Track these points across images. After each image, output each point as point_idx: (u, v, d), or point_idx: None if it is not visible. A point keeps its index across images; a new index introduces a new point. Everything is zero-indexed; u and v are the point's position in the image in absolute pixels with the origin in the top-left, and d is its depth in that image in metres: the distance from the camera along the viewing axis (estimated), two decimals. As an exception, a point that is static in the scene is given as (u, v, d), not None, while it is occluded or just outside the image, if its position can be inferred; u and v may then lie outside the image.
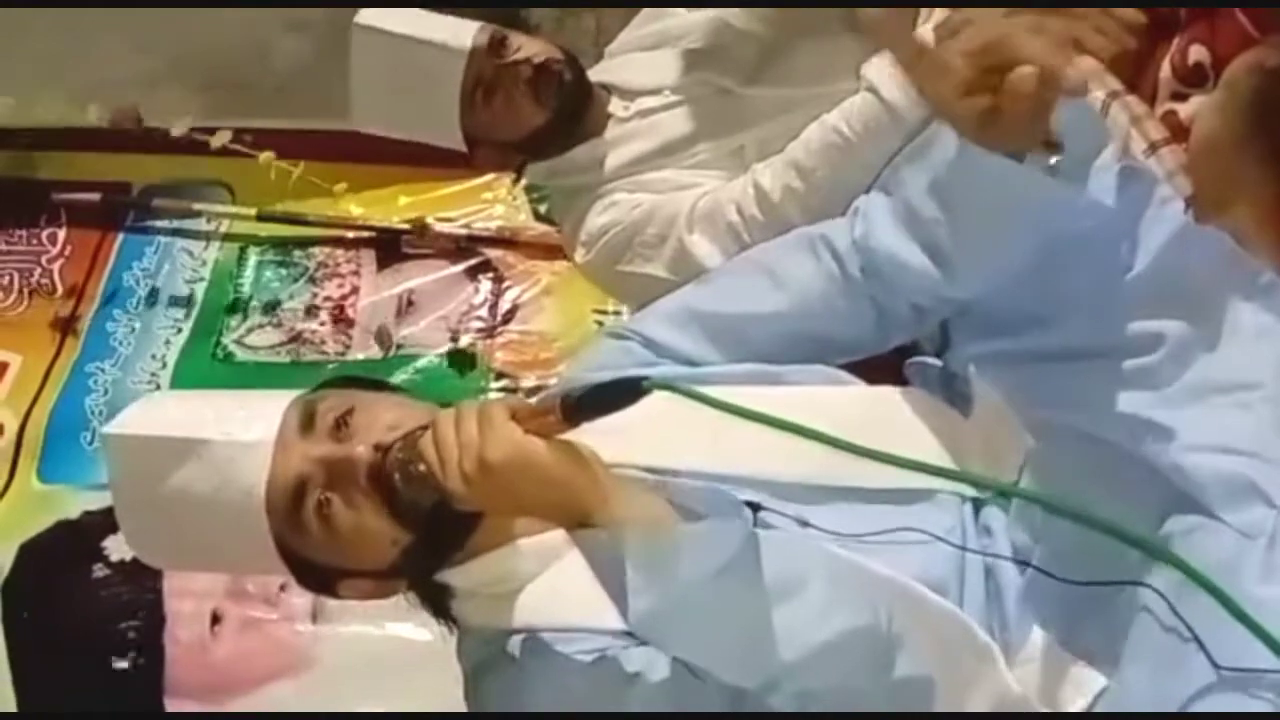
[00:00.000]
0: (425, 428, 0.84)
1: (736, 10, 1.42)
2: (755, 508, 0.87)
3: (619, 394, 0.80)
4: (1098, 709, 0.81)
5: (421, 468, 0.82)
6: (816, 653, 0.76)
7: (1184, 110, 1.01)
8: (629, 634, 0.83)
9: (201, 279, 2.26)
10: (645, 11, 1.52)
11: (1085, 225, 0.89)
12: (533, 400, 0.88)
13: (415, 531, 0.85)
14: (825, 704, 0.77)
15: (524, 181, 1.58)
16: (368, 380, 0.99)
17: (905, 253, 0.94)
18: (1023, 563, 0.87)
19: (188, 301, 2.22)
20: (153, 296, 2.22)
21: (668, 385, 0.79)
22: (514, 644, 0.85)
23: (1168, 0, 0.79)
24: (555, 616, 0.86)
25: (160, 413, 0.90)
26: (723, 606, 0.78)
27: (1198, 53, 1.02)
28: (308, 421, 0.87)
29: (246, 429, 0.86)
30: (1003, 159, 0.80)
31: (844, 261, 1.00)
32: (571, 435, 0.83)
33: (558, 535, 0.87)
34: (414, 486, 0.83)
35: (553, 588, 0.86)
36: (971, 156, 0.83)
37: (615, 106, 1.43)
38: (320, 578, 0.91)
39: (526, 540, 0.88)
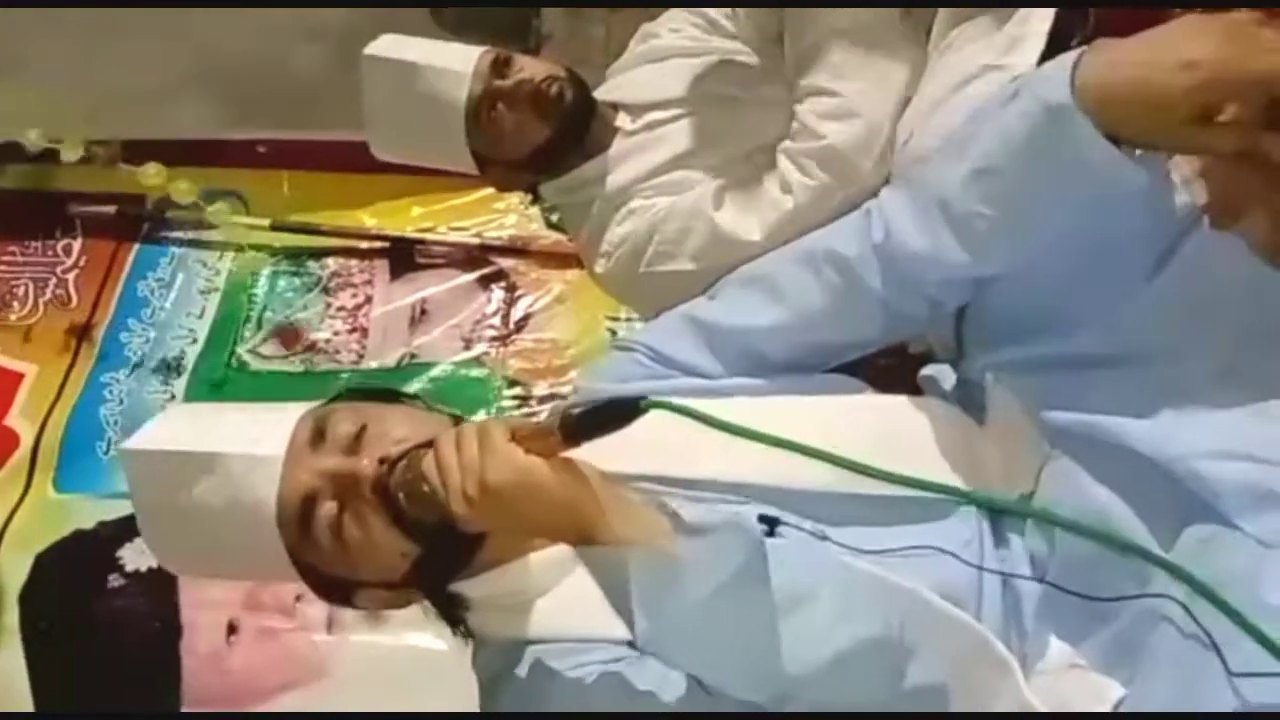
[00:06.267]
0: (428, 445, 0.84)
1: (717, 45, 1.43)
2: (773, 522, 0.87)
3: (616, 414, 0.80)
4: (1116, 719, 0.81)
5: (426, 488, 0.82)
6: (826, 666, 0.76)
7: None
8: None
9: (215, 289, 2.27)
10: (639, 32, 1.53)
11: (1109, 229, 0.89)
12: (534, 419, 0.89)
13: (423, 545, 0.86)
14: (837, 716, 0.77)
15: (540, 197, 1.59)
16: (379, 391, 0.98)
17: (933, 249, 0.91)
18: (1039, 580, 0.87)
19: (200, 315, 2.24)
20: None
21: (664, 404, 0.80)
22: (522, 668, 0.85)
23: (1186, 1, 0.78)
24: (569, 627, 0.86)
25: (175, 428, 0.91)
26: (729, 622, 0.77)
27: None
28: (318, 436, 0.88)
29: (258, 443, 0.87)
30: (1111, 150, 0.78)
31: (855, 271, 0.98)
32: (584, 448, 0.82)
33: (570, 548, 0.87)
34: (419, 505, 0.83)
35: (566, 598, 0.87)
36: (1043, 149, 0.81)
37: (622, 121, 1.43)
38: (336, 589, 0.92)
39: (540, 553, 0.88)
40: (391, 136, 1.50)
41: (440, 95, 1.39)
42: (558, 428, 0.80)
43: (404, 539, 0.85)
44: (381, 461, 0.85)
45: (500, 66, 1.40)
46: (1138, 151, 0.82)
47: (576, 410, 0.81)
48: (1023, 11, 1.26)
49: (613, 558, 0.81)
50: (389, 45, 1.44)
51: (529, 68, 1.41)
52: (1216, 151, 0.78)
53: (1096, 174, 0.80)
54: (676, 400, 0.82)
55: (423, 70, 1.40)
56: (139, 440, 0.90)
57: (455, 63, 1.40)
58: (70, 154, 2.22)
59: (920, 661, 0.79)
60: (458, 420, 0.92)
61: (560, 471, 0.81)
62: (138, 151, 2.28)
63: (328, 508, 0.86)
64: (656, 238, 1.33)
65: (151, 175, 2.21)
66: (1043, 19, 1.22)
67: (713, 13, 1.46)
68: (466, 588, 0.90)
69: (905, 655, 0.79)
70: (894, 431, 0.98)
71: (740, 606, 0.77)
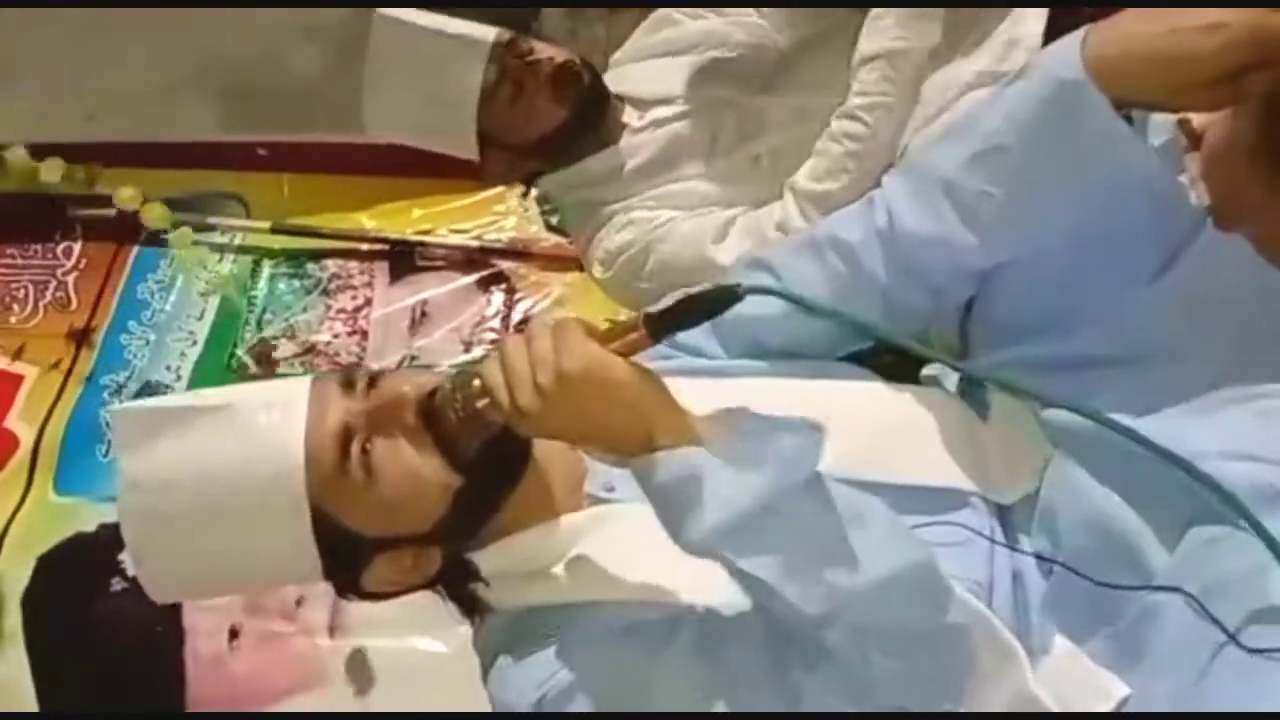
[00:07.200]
0: (473, 372, 0.81)
1: (745, 21, 1.43)
2: None
3: (712, 300, 0.77)
4: (1121, 718, 0.81)
5: (479, 403, 0.78)
6: (879, 581, 0.74)
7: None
8: (657, 607, 0.83)
9: (215, 291, 2.27)
10: (653, 17, 1.53)
11: (1116, 224, 0.89)
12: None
13: (465, 474, 0.83)
14: (877, 643, 0.75)
15: (534, 193, 1.58)
16: None
17: (936, 231, 0.90)
18: (1052, 561, 0.87)
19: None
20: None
21: (764, 289, 0.80)
22: (532, 633, 0.85)
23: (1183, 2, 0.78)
24: (584, 591, 0.85)
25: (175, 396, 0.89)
26: (801, 522, 0.75)
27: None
28: (347, 383, 0.86)
29: (272, 391, 0.85)
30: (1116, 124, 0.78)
31: (857, 257, 0.97)
32: None
33: (585, 514, 0.88)
34: (469, 422, 0.79)
35: (581, 564, 0.86)
36: (1052, 124, 0.81)
37: (629, 116, 1.43)
38: (352, 557, 0.87)
39: (553, 521, 0.89)
40: (391, 107, 1.43)
41: (456, 66, 1.34)
42: (641, 321, 0.77)
43: (447, 467, 0.83)
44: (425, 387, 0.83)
45: (517, 44, 1.37)
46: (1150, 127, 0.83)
47: (662, 305, 0.77)
48: (1016, 12, 1.26)
49: (676, 460, 0.76)
50: (404, 11, 1.39)
51: (545, 49, 1.40)
52: (1246, 97, 0.78)
53: (1106, 153, 0.80)
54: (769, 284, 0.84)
55: (439, 38, 1.34)
56: (137, 404, 0.85)
57: (474, 32, 1.35)
58: (50, 175, 2.23)
59: (959, 602, 0.78)
60: None
61: (637, 371, 0.78)
62: (138, 153, 2.28)
63: (363, 441, 0.82)
64: (653, 257, 1.34)
65: (127, 198, 2.21)
66: (1038, 19, 1.23)
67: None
68: (481, 559, 0.89)
69: (947, 592, 0.78)
70: (897, 419, 0.98)
71: (810, 510, 0.75)
